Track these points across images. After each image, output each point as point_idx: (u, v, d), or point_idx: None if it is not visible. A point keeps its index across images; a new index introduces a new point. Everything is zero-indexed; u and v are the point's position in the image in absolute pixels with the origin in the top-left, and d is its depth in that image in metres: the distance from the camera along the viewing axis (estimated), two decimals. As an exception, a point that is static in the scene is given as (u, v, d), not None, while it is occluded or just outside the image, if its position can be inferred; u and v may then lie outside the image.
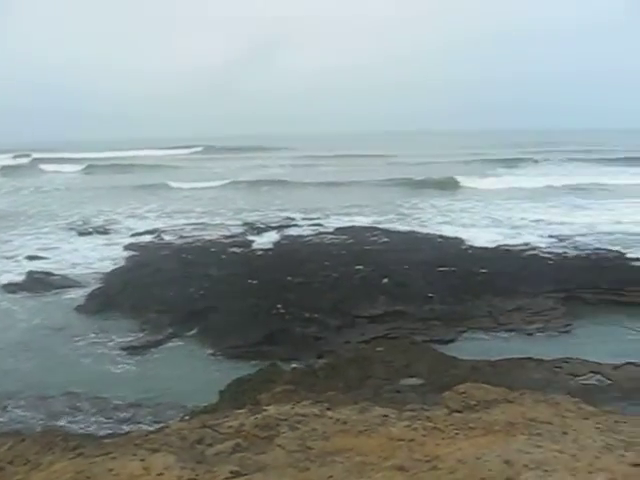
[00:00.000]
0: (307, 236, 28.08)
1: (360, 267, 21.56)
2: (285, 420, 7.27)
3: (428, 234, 28.21)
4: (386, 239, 26.70)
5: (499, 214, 34.32)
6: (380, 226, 30.13)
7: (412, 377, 12.81)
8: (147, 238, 29.09)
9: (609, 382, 12.85)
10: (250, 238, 28.10)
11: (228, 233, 29.26)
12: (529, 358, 14.01)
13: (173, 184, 52.20)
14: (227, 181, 53.80)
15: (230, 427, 7.12)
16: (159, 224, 33.23)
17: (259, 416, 7.41)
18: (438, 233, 28.33)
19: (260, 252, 25.17)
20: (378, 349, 14.65)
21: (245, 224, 31.72)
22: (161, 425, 8.63)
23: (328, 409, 7.80)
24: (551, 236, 27.23)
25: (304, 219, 32.87)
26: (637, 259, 22.76)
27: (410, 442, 6.65)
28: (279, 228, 30.38)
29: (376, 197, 42.75)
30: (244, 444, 6.60)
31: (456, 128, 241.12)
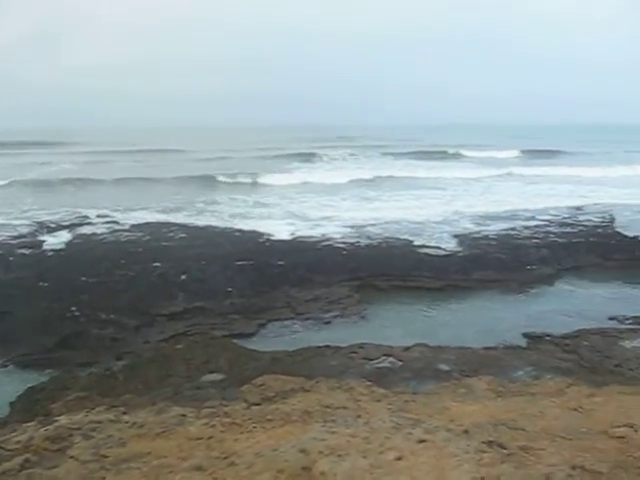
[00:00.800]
0: (102, 234, 27.04)
1: (158, 264, 21.17)
2: (78, 429, 7.00)
3: (226, 229, 28.22)
4: (183, 235, 26.42)
5: (295, 207, 34.97)
6: (177, 221, 29.70)
7: (213, 373, 12.86)
8: None
9: (400, 363, 13.67)
10: (40, 238, 26.53)
11: (15, 233, 27.46)
12: (327, 346, 14.58)
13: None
14: (12, 179, 50.08)
15: (18, 442, 6.75)
16: None
17: (50, 427, 7.08)
18: (236, 227, 28.42)
19: (51, 253, 23.87)
20: (178, 347, 14.56)
21: (34, 224, 29.85)
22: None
23: (124, 413, 7.63)
24: (344, 227, 28.25)
25: (98, 217, 31.45)
26: (422, 246, 24.31)
27: (209, 440, 6.68)
28: (71, 227, 28.89)
29: (173, 192, 42.02)
30: (34, 459, 6.28)
31: (246, 125, 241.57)
